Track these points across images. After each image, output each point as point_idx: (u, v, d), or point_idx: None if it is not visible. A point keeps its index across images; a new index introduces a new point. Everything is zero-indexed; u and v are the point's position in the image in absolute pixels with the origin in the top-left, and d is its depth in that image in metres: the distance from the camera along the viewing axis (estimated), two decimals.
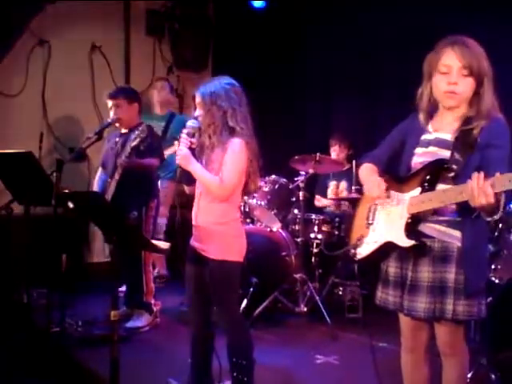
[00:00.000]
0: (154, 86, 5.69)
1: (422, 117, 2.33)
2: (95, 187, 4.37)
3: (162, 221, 5.06)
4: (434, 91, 2.27)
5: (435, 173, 2.20)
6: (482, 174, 1.93)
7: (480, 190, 1.90)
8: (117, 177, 3.79)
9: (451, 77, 2.18)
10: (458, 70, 2.17)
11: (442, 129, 2.29)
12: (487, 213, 1.99)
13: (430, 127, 2.33)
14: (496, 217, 1.99)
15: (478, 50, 2.20)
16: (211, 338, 2.93)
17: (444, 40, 2.24)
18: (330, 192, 5.31)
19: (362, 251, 2.39)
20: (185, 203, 3.04)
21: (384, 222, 2.35)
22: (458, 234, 2.19)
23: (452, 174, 2.14)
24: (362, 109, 5.52)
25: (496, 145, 2.13)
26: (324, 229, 4.85)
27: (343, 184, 5.24)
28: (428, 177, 2.20)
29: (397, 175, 2.38)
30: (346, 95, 5.57)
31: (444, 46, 2.22)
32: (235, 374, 2.79)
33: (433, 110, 2.32)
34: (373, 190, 2.34)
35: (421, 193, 2.20)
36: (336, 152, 5.24)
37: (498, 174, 1.90)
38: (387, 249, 2.32)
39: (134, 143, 3.70)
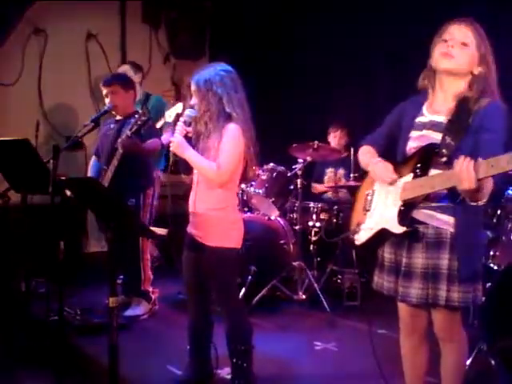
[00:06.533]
0: None
1: (430, 92, 2.29)
2: (89, 175, 4.32)
3: None
4: (432, 59, 2.24)
5: (426, 158, 2.16)
6: (468, 157, 1.88)
7: (468, 173, 1.86)
8: (115, 162, 3.74)
9: (450, 42, 2.18)
10: (459, 40, 2.16)
11: (437, 110, 2.25)
12: (470, 198, 1.97)
13: (424, 109, 2.30)
14: (481, 203, 1.97)
15: (482, 33, 2.19)
16: (209, 326, 2.94)
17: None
18: (327, 179, 5.29)
19: (360, 237, 2.38)
20: (178, 193, 3.03)
21: (379, 209, 2.33)
22: (451, 219, 2.17)
23: (444, 159, 2.10)
24: (361, 97, 5.49)
25: (488, 128, 2.08)
26: (322, 217, 4.85)
27: (340, 171, 5.23)
28: (419, 163, 2.18)
29: (393, 160, 2.34)
30: (344, 82, 5.54)
31: (451, 22, 2.21)
32: (235, 360, 2.81)
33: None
34: (385, 175, 2.28)
35: (413, 178, 2.18)
36: (336, 138, 5.22)
37: (480, 160, 1.86)
38: (383, 235, 2.30)
39: (135, 127, 3.63)
